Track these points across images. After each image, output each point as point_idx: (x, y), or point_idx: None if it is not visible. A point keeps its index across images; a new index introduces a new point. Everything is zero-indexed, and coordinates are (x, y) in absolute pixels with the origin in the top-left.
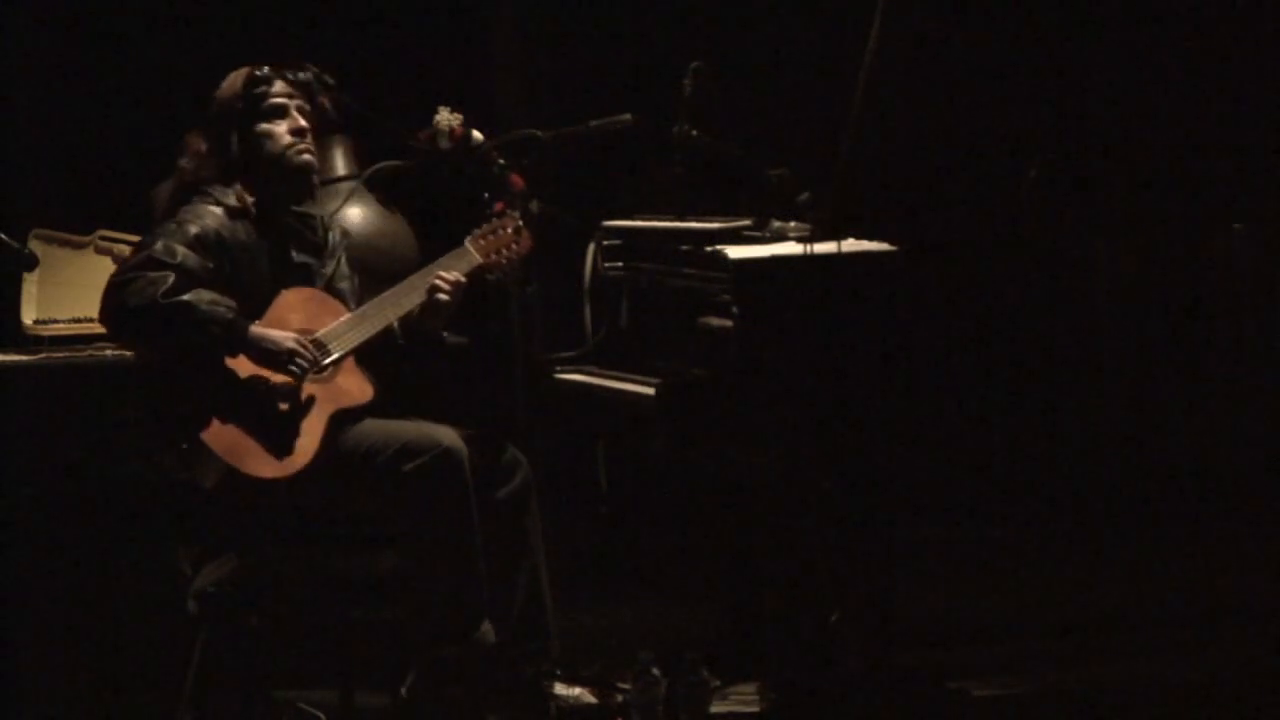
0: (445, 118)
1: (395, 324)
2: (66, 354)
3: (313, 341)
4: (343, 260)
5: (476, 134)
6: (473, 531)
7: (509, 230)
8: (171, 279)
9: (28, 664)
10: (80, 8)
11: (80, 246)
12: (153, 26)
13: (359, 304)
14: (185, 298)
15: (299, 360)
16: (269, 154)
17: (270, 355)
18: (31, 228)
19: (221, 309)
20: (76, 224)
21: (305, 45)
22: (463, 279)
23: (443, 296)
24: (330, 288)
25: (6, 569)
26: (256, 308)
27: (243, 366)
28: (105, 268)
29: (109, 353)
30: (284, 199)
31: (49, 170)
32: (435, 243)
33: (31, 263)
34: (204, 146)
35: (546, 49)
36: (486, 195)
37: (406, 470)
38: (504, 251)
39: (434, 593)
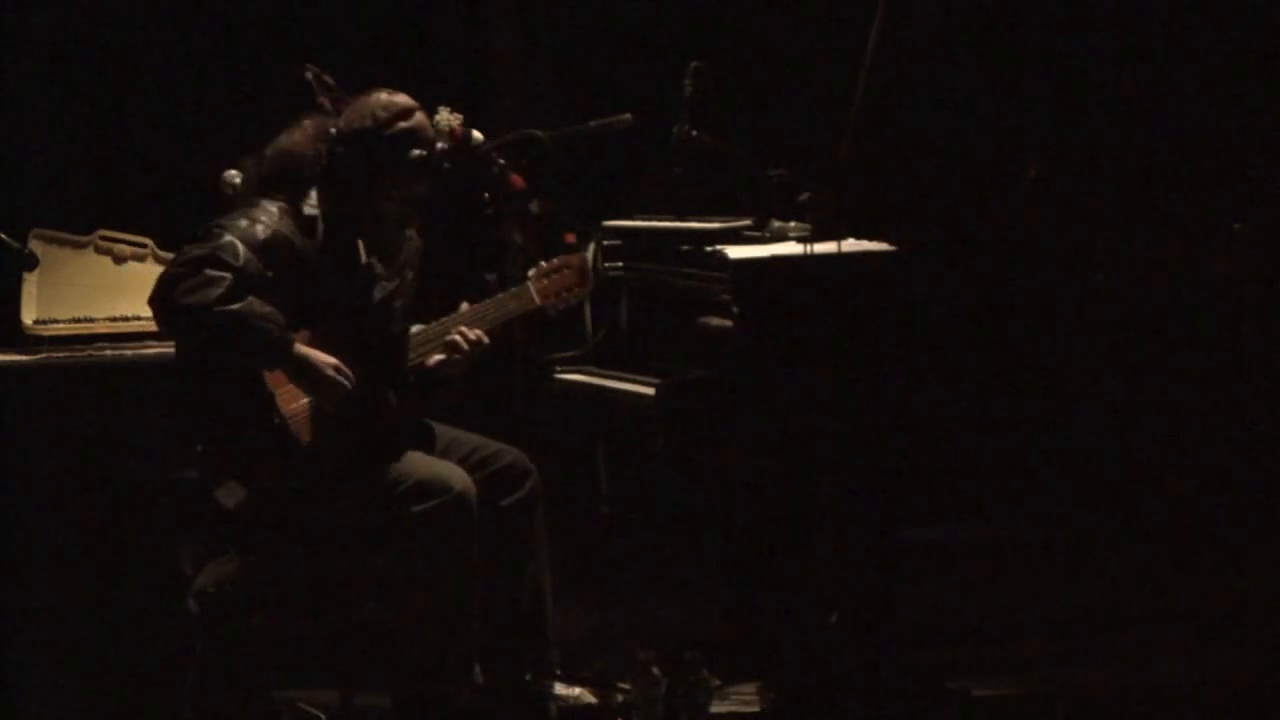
0: (445, 118)
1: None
2: (66, 354)
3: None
4: (409, 276)
5: (476, 134)
6: (471, 578)
7: (574, 270)
8: (228, 282)
9: (28, 664)
10: (80, 8)
11: (80, 246)
12: (153, 26)
13: (408, 324)
14: (237, 307)
15: (337, 390)
16: (384, 212)
17: (309, 378)
18: (31, 228)
19: (270, 325)
20: (76, 224)
21: (306, 45)
22: (485, 339)
23: (458, 357)
24: (388, 300)
25: (6, 569)
26: (312, 316)
27: (278, 381)
28: (105, 268)
29: (109, 353)
30: (367, 234)
31: (49, 170)
32: (435, 243)
33: (31, 263)
34: (326, 155)
35: (546, 49)
36: (486, 195)
37: (415, 511)
38: (564, 295)
39: (427, 634)
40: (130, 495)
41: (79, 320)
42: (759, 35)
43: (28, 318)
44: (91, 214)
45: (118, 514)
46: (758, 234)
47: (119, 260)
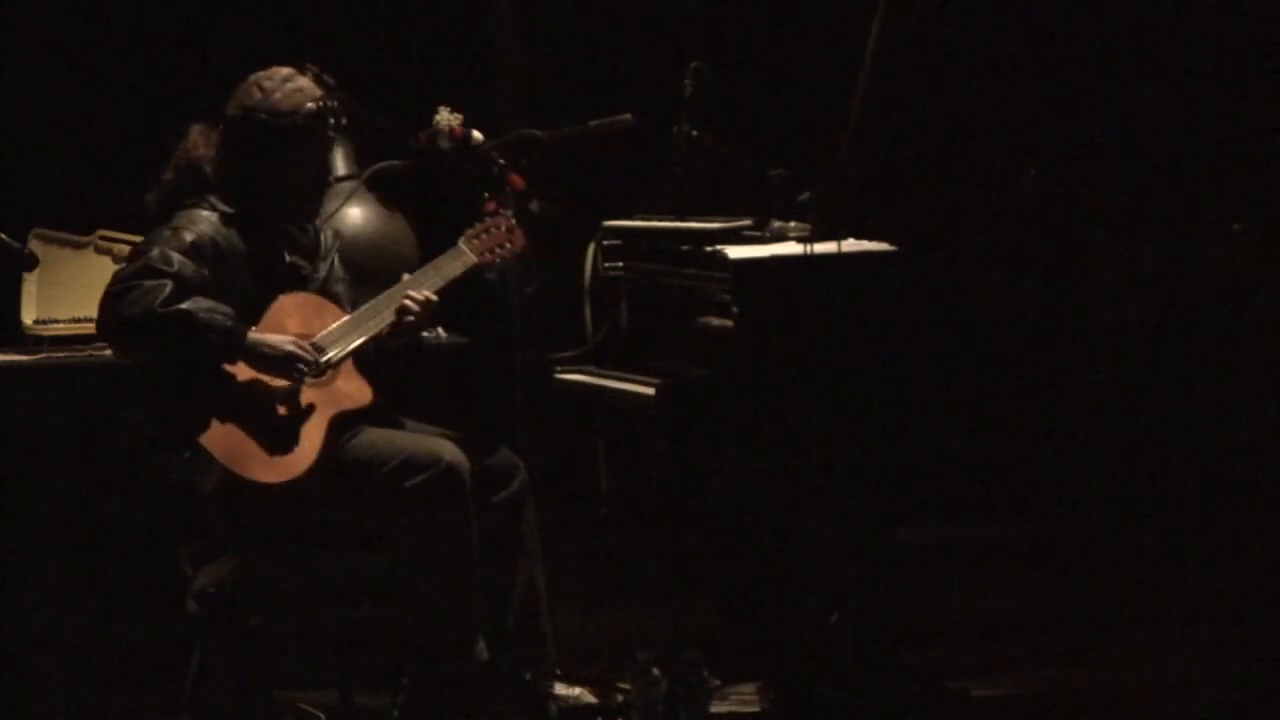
0: (445, 118)
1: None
2: (66, 354)
3: (311, 345)
4: (336, 263)
5: (476, 134)
6: (471, 550)
7: (502, 229)
8: (169, 287)
9: (28, 664)
10: (80, 7)
11: (80, 246)
12: (152, 26)
13: (354, 306)
14: (183, 306)
15: (298, 364)
16: (296, 182)
17: (269, 360)
18: (31, 228)
19: (219, 316)
20: (76, 224)
21: (306, 44)
22: (433, 297)
23: (410, 319)
24: (325, 291)
25: (6, 569)
26: (253, 313)
27: (242, 372)
28: (105, 268)
29: (109, 353)
30: (286, 215)
31: (49, 170)
32: (435, 243)
33: (31, 263)
34: (221, 149)
35: (546, 49)
36: (486, 195)
37: (407, 486)
38: (498, 250)
39: (429, 609)
40: (130, 495)
41: (79, 320)
42: (759, 35)
43: (28, 318)
44: (91, 214)
45: (118, 514)
46: (758, 234)
47: (119, 260)
